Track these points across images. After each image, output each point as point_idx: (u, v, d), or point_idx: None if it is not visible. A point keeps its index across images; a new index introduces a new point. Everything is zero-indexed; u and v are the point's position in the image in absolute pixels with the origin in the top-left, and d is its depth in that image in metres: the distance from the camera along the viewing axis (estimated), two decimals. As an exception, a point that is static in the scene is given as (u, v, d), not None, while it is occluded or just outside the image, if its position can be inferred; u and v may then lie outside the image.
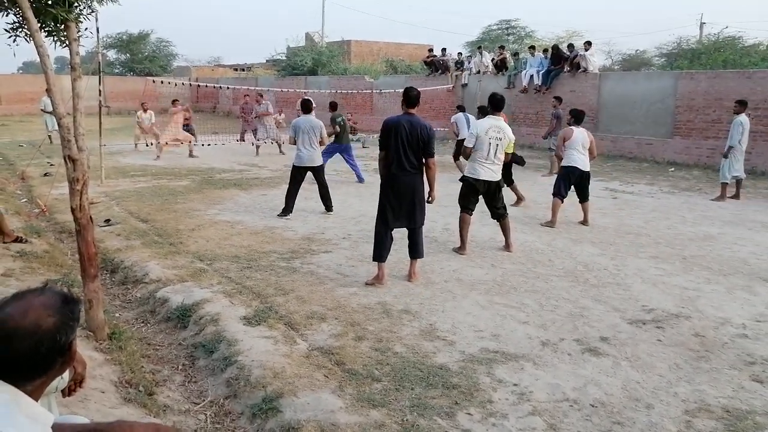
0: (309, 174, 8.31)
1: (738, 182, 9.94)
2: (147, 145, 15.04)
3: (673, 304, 5.01)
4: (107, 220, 7.55)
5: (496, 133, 6.25)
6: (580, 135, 7.82)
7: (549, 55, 17.38)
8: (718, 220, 8.40)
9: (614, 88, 15.84)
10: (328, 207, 8.41)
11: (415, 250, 5.50)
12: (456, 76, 20.49)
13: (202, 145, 14.79)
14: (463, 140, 8.57)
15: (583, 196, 7.90)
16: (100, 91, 10.26)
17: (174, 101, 15.32)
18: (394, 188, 5.30)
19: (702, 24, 31.38)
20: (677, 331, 4.44)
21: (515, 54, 20.05)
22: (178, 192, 9.76)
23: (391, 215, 5.33)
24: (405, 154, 5.20)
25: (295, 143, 8.25)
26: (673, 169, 13.50)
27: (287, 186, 8.27)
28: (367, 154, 15.36)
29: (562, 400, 3.41)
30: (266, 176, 11.75)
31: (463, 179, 6.53)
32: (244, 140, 15.88)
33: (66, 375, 2.01)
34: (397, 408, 3.29)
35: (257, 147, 15.07)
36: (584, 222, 7.85)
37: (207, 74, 38.68)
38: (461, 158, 9.60)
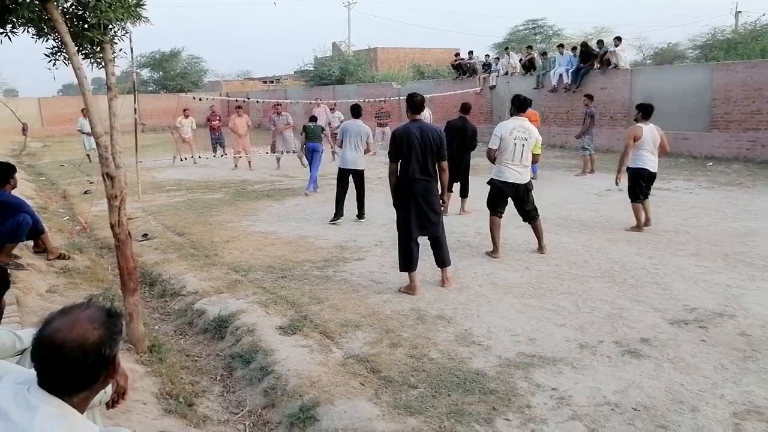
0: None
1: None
2: (182, 160, 15.37)
3: (716, 302, 4.86)
4: (145, 235, 7.74)
5: (521, 134, 6.08)
6: (650, 133, 7.22)
7: (578, 52, 17.12)
8: (762, 214, 8.13)
9: (647, 83, 15.50)
10: (361, 214, 8.45)
11: (441, 259, 5.42)
12: (484, 78, 20.38)
13: (234, 156, 15.06)
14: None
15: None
16: (135, 109, 10.55)
17: (237, 107, 15.47)
18: (410, 198, 5.18)
19: (737, 13, 30.61)
20: (721, 330, 4.30)
21: (543, 53, 19.83)
22: (212, 205, 9.94)
23: (408, 226, 5.23)
24: (419, 162, 5.10)
25: (341, 146, 8.43)
26: (711, 163, 13.12)
27: (335, 191, 8.41)
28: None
29: (603, 404, 3.34)
30: (298, 187, 11.85)
31: (491, 182, 6.45)
32: (275, 151, 16.00)
33: (109, 388, 2.07)
34: (434, 415, 3.27)
35: (278, 159, 14.90)
36: (647, 223, 7.45)
37: (237, 88, 39.42)
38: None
